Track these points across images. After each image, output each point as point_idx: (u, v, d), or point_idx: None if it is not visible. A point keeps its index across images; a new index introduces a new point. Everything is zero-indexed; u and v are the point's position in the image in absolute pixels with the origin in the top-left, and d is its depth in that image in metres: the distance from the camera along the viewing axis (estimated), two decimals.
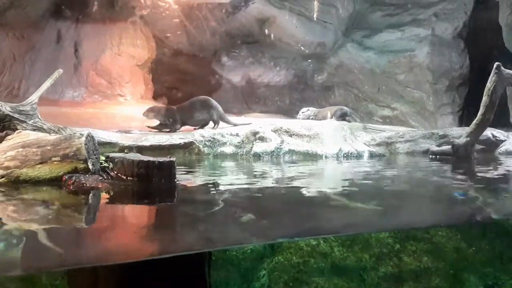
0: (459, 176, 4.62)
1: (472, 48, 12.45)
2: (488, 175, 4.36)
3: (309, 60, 13.43)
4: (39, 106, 5.25)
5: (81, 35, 11.50)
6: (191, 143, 6.28)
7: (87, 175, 3.18)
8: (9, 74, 10.32)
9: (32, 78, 10.39)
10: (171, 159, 3.24)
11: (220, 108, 7.33)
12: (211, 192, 3.32)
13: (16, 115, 4.86)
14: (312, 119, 9.35)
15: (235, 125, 7.21)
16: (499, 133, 7.03)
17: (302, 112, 9.83)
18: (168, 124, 7.13)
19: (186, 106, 7.31)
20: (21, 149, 3.27)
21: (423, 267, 3.74)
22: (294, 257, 3.97)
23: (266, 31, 12.74)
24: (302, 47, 12.93)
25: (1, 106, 4.81)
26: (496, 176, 4.27)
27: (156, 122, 7.28)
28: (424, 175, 4.70)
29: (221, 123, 7.25)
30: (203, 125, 7.23)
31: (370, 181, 4.15)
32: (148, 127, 7.20)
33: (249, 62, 13.53)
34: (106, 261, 1.92)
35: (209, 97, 7.51)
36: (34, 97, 5.19)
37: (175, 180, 3.25)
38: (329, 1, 12.63)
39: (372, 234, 3.80)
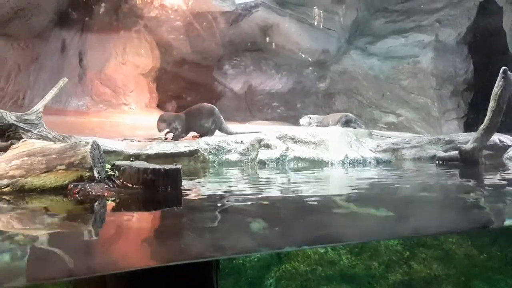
0: (468, 182, 4.57)
1: (476, 54, 12.43)
2: (497, 180, 4.30)
3: (312, 68, 13.44)
4: (44, 115, 5.25)
5: (85, 44, 11.57)
6: (196, 151, 6.26)
7: (93, 184, 3.15)
8: (14, 84, 10.36)
9: (37, 88, 10.43)
10: (177, 166, 3.21)
11: (221, 119, 7.44)
12: (218, 199, 3.28)
13: (21, 124, 4.86)
14: (316, 125, 9.33)
15: (236, 133, 7.26)
16: (506, 138, 6.99)
17: (303, 120, 9.82)
18: (175, 132, 7.15)
19: (193, 113, 7.36)
20: (26, 158, 3.25)
21: (433, 275, 3.69)
22: (302, 265, 3.92)
23: (269, 38, 12.79)
24: (305, 55, 12.95)
25: (6, 115, 4.81)
26: (506, 181, 4.21)
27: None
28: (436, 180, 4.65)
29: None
30: (204, 133, 7.27)
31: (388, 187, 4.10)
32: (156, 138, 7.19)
33: (252, 69, 13.56)
34: (113, 269, 1.89)
35: (214, 107, 7.58)
36: (39, 106, 5.19)
37: (181, 187, 3.22)
38: (332, 9, 12.67)
39: (381, 242, 3.76)
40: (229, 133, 7.36)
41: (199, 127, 7.30)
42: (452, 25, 12.44)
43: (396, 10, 13.04)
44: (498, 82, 5.38)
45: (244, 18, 12.34)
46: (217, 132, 7.42)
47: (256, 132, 7.22)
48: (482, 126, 5.62)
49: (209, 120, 7.29)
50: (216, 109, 7.52)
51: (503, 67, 5.41)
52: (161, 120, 7.32)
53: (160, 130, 7.26)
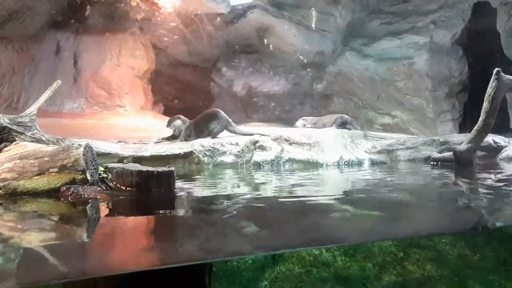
0: (463, 183, 4.58)
1: (470, 55, 12.48)
2: (490, 181, 4.32)
3: (308, 69, 13.45)
4: (38, 118, 5.23)
5: (80, 46, 11.55)
6: (191, 153, 6.25)
7: (86, 186, 3.14)
8: (8, 86, 10.33)
9: (31, 90, 10.40)
10: (170, 168, 3.21)
11: (226, 120, 7.39)
12: (210, 201, 3.28)
13: (14, 127, 4.83)
14: (311, 127, 9.32)
15: (247, 134, 7.24)
16: (500, 139, 7.01)
17: (298, 122, 9.84)
18: (183, 136, 7.13)
19: (201, 121, 7.33)
20: (18, 161, 3.23)
21: (427, 275, 3.69)
22: (296, 267, 3.92)
23: (265, 40, 12.78)
24: (301, 56, 12.97)
25: None
26: (499, 182, 4.23)
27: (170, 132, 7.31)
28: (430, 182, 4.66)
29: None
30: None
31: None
32: (163, 139, 7.18)
33: (248, 71, 13.57)
34: (105, 272, 1.88)
35: (218, 110, 7.56)
36: (33, 109, 5.17)
37: (174, 189, 3.21)
38: (327, 10, 12.68)
39: (375, 243, 3.76)
40: (238, 134, 7.30)
41: (207, 132, 7.24)
42: (446, 26, 12.48)
43: (391, 12, 13.07)
44: (491, 83, 5.40)
45: (239, 20, 12.34)
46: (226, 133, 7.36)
47: (265, 134, 7.16)
48: (475, 127, 5.63)
49: (211, 124, 7.24)
50: (220, 112, 7.45)
51: (496, 68, 5.43)
52: (175, 119, 7.30)
53: (169, 126, 7.26)
